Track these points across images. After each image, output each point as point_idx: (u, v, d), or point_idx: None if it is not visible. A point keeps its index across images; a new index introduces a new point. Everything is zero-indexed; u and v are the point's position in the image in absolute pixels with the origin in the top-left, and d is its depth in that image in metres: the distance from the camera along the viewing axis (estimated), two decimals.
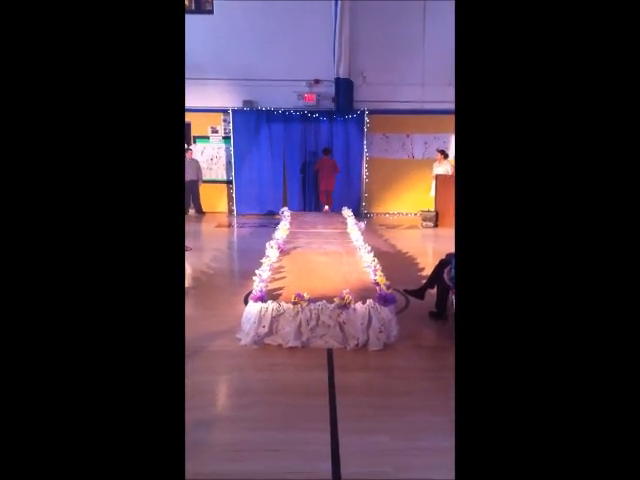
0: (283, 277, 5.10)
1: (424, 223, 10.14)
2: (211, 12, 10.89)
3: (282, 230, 7.38)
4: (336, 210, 10.49)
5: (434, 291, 5.05)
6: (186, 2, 11.65)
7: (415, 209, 11.15)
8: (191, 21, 10.72)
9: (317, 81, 11.12)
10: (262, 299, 4.33)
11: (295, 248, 6.42)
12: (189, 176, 11.01)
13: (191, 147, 11.32)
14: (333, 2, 10.55)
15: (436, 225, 10.04)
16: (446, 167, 10.31)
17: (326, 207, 10.99)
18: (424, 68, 10.94)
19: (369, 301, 4.28)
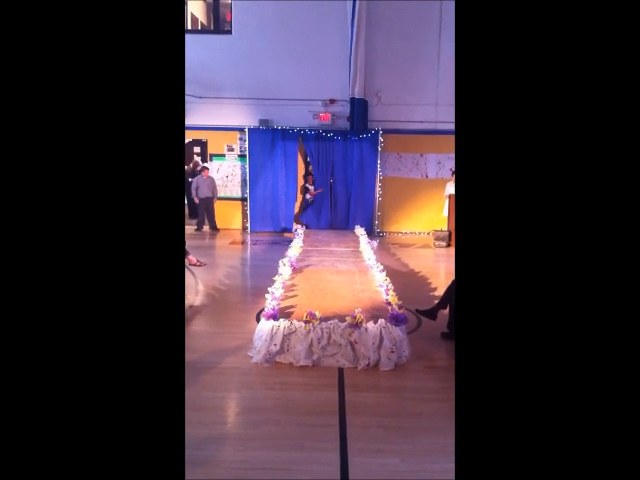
0: (295, 295, 5.12)
1: (437, 243, 10.12)
2: (229, 32, 11.09)
3: (295, 248, 7.41)
4: (349, 228, 10.55)
5: (446, 311, 5.02)
6: (205, 22, 11.90)
7: (428, 228, 11.14)
8: (210, 41, 10.98)
9: (332, 101, 11.23)
10: (274, 317, 4.34)
11: (308, 266, 6.45)
12: (204, 193, 11.14)
13: (207, 165, 11.46)
14: (349, 23, 10.70)
15: (449, 245, 10.01)
16: None
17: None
18: (438, 88, 11.01)
19: (381, 321, 4.28)
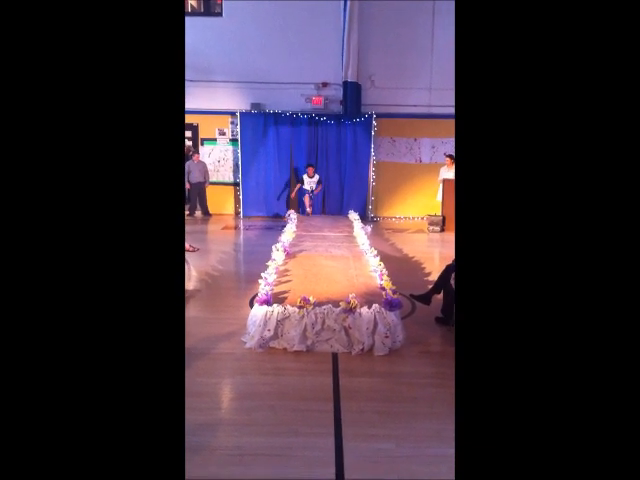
0: (289, 280, 5.09)
1: (431, 228, 10.11)
2: (220, 14, 10.91)
3: (288, 233, 7.37)
4: (343, 213, 10.50)
5: (440, 296, 5.02)
6: (195, 4, 11.70)
7: (422, 213, 11.12)
8: (200, 23, 10.79)
9: (325, 84, 11.12)
10: (268, 302, 4.31)
11: (301, 251, 6.41)
12: (196, 178, 11.05)
13: (198, 150, 11.34)
14: (342, 6, 10.55)
15: (443, 230, 10.01)
16: (454, 172, 10.29)
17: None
18: (432, 72, 10.93)
19: (375, 306, 4.26)
